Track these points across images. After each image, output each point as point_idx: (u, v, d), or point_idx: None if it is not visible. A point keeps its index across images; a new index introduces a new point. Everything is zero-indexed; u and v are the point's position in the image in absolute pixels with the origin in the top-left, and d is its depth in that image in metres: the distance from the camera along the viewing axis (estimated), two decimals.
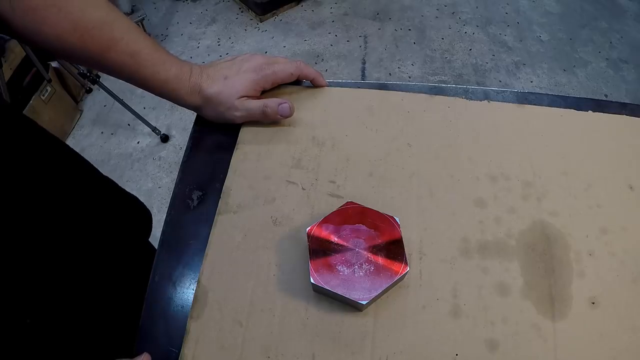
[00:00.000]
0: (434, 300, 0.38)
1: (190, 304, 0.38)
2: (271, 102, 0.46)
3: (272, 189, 0.44)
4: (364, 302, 0.35)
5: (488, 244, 0.41)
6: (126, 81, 0.45)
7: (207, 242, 0.41)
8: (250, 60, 0.47)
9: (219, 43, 1.97)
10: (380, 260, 0.36)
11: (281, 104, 0.46)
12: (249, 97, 0.46)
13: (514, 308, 0.37)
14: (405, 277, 0.38)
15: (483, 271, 0.39)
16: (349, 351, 0.35)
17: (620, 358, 0.35)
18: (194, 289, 0.39)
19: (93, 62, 0.42)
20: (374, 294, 0.35)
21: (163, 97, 0.46)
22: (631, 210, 0.43)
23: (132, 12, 1.73)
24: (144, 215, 0.65)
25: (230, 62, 0.47)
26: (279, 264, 0.39)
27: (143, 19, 1.76)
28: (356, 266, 0.36)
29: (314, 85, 0.51)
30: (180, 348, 0.36)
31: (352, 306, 0.37)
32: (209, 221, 0.42)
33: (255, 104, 0.46)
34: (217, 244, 0.41)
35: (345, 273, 0.36)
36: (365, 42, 1.96)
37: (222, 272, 0.39)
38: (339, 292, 0.35)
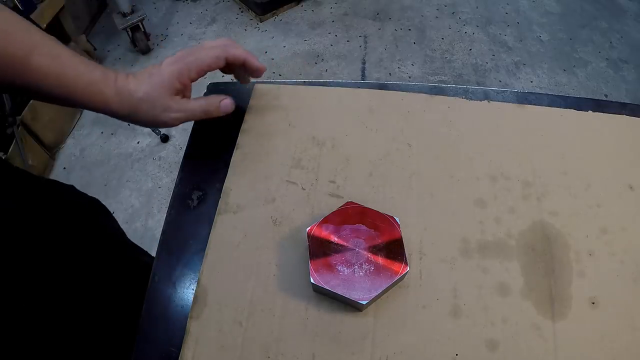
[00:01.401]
0: (434, 300, 0.38)
1: (190, 304, 0.38)
2: (212, 99, 0.44)
3: (272, 189, 0.44)
4: (364, 302, 0.35)
5: (488, 244, 0.41)
6: (45, 97, 0.40)
7: (207, 242, 0.41)
8: (174, 55, 0.44)
9: None
10: (380, 260, 0.36)
11: (223, 100, 0.45)
12: (185, 96, 0.43)
13: (514, 308, 0.37)
14: (406, 277, 0.38)
15: (483, 271, 0.39)
16: (349, 351, 0.35)
17: (620, 358, 0.35)
18: (194, 289, 0.39)
19: (13, 71, 0.37)
20: (374, 294, 0.35)
21: (88, 107, 0.41)
22: (631, 210, 0.43)
23: (132, 12, 1.73)
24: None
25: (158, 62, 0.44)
26: (279, 264, 0.39)
27: (143, 19, 1.76)
28: (356, 266, 0.36)
29: (247, 69, 0.46)
30: (180, 348, 0.36)
31: (352, 306, 0.37)
32: (209, 221, 0.42)
33: (195, 104, 0.43)
34: (217, 244, 0.41)
35: (345, 273, 0.36)
36: (365, 42, 1.96)
37: (222, 272, 0.39)
38: (339, 292, 0.35)
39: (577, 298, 0.38)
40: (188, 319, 0.37)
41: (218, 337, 0.36)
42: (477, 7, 2.13)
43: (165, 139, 1.62)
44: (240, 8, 2.15)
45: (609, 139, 0.48)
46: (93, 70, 0.40)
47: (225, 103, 0.45)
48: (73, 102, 0.40)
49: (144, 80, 0.41)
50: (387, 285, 0.35)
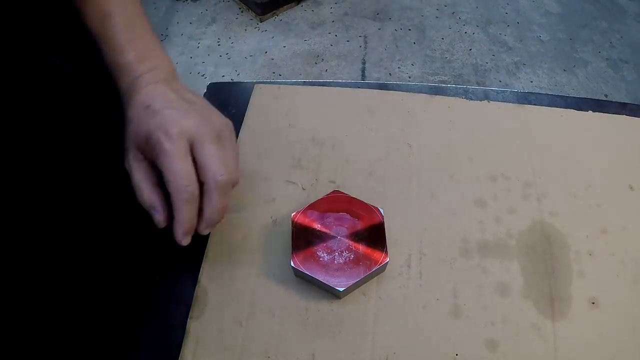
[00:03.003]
0: (434, 300, 0.38)
1: (190, 304, 0.38)
2: (146, 197, 0.34)
3: (272, 189, 0.44)
4: (341, 289, 0.35)
5: (488, 244, 0.41)
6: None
7: (207, 242, 0.41)
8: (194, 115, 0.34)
9: (219, 43, 1.97)
10: (361, 249, 0.37)
11: (153, 209, 0.34)
12: (145, 157, 0.35)
13: (514, 308, 0.37)
14: (406, 277, 0.38)
15: (483, 271, 0.39)
16: (349, 351, 0.35)
17: (620, 358, 0.35)
18: (194, 289, 0.39)
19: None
20: (352, 281, 0.35)
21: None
22: (631, 210, 0.43)
23: None
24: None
25: (186, 103, 0.36)
26: (279, 264, 0.39)
27: None
28: (337, 253, 0.37)
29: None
30: (180, 348, 0.36)
31: (331, 293, 0.37)
32: None
33: (136, 178, 0.34)
34: (217, 244, 0.41)
35: (326, 260, 0.36)
36: (365, 42, 1.96)
37: (222, 272, 0.39)
38: (318, 278, 0.35)
39: (577, 298, 0.38)
40: (188, 319, 0.37)
41: (218, 337, 0.36)
42: (477, 7, 2.13)
43: None
44: (240, 8, 2.15)
45: (609, 139, 0.48)
46: (131, 51, 0.37)
47: (154, 215, 0.35)
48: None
49: (150, 103, 0.35)
50: (366, 274, 0.36)
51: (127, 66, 0.36)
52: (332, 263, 0.36)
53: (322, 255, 0.37)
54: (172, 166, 0.32)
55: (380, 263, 0.36)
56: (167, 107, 0.34)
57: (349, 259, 0.36)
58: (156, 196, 0.34)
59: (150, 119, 0.33)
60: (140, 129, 0.34)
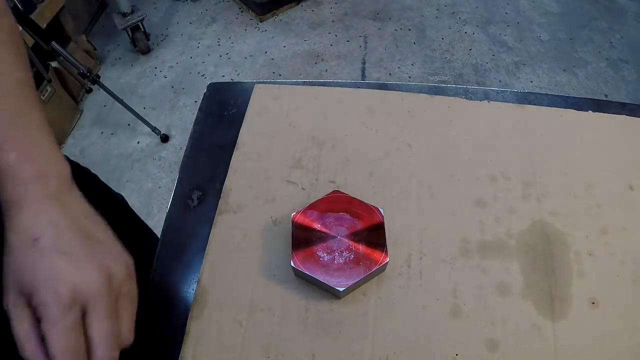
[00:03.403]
0: (434, 300, 0.38)
1: (190, 304, 0.38)
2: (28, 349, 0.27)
3: (272, 189, 0.44)
4: (341, 289, 0.35)
5: (488, 244, 0.41)
6: None
7: (207, 242, 0.41)
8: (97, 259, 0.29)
9: (219, 43, 1.97)
10: (361, 249, 0.37)
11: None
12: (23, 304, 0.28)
13: (514, 308, 0.37)
14: (406, 277, 0.38)
15: (483, 271, 0.39)
16: (349, 351, 0.35)
17: (620, 358, 0.35)
18: (194, 289, 0.39)
19: None
20: (352, 281, 0.35)
21: None
22: (631, 210, 0.43)
23: (132, 12, 1.73)
24: (150, 242, 0.62)
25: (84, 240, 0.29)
26: (279, 264, 0.39)
27: (143, 19, 1.76)
28: (337, 253, 0.37)
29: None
30: (180, 348, 0.36)
31: (331, 293, 0.37)
32: (209, 221, 0.42)
33: (18, 328, 0.27)
34: (217, 244, 0.41)
35: (326, 260, 0.36)
36: (365, 42, 1.96)
37: (222, 272, 0.39)
38: (318, 278, 0.35)
39: (577, 298, 0.38)
40: (188, 319, 0.37)
41: (218, 337, 0.36)
42: (477, 7, 2.13)
43: (165, 139, 1.62)
44: (240, 8, 2.15)
45: (609, 139, 0.48)
46: (11, 150, 0.29)
47: None
48: None
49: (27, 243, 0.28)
50: (366, 274, 0.36)
51: (7, 169, 0.29)
52: (332, 263, 0.36)
53: (322, 255, 0.36)
54: (59, 342, 0.26)
55: (380, 263, 0.36)
56: (59, 250, 0.28)
57: (349, 259, 0.36)
58: (41, 354, 0.27)
59: (37, 262, 0.27)
60: (23, 272, 0.27)
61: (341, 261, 0.36)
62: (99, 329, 0.28)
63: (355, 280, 0.35)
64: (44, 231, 0.28)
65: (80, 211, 0.31)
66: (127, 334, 0.30)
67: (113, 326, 0.28)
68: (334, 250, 0.37)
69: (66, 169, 0.32)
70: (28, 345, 0.27)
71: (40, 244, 0.28)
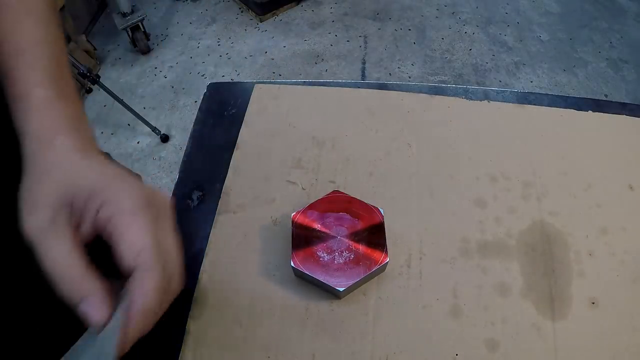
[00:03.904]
0: (434, 300, 0.38)
1: (190, 304, 0.38)
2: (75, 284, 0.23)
3: (272, 189, 0.44)
4: (341, 289, 0.35)
5: (488, 244, 0.41)
6: None
7: (207, 242, 0.41)
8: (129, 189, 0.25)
9: (219, 43, 1.97)
10: (361, 249, 0.37)
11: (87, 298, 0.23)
12: (58, 235, 0.23)
13: (514, 308, 0.37)
14: (406, 277, 0.38)
15: (483, 271, 0.39)
16: (349, 351, 0.35)
17: (620, 358, 0.35)
18: (194, 289, 0.39)
19: None
20: (352, 281, 0.35)
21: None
22: (631, 210, 0.43)
23: (132, 12, 1.73)
24: None
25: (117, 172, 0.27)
26: (279, 264, 0.39)
27: (143, 19, 1.76)
28: (337, 253, 0.37)
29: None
30: (180, 348, 0.36)
31: (331, 293, 0.37)
32: (209, 221, 0.42)
33: (57, 252, 0.23)
34: (217, 244, 0.41)
35: (326, 260, 0.36)
36: (365, 42, 1.96)
37: (222, 272, 0.39)
38: (318, 278, 0.35)
39: (577, 298, 0.38)
40: (188, 319, 0.37)
41: (218, 337, 0.36)
42: (477, 7, 2.13)
43: (165, 139, 1.62)
44: (240, 8, 2.15)
45: (609, 139, 0.48)
46: (51, 88, 0.28)
47: (90, 309, 0.23)
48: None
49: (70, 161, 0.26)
50: (366, 274, 0.36)
51: (46, 102, 0.28)
52: (332, 263, 0.36)
53: (322, 255, 0.37)
54: (140, 237, 0.23)
55: (380, 263, 0.36)
56: (114, 163, 0.27)
57: (349, 259, 0.36)
58: (93, 279, 0.23)
59: (98, 165, 0.26)
60: (79, 176, 0.25)
61: (341, 261, 0.36)
62: (172, 238, 0.25)
63: (355, 280, 0.35)
64: (92, 148, 0.27)
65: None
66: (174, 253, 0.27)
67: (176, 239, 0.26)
68: (334, 250, 0.37)
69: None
70: (76, 270, 0.23)
71: (93, 157, 0.26)
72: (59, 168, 0.25)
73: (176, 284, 0.25)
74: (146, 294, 0.23)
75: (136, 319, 0.23)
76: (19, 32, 0.30)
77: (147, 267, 0.23)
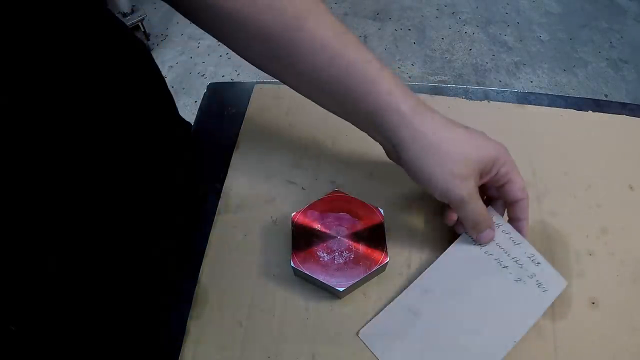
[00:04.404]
0: None
1: (190, 304, 0.38)
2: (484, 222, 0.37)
3: (272, 189, 0.44)
4: (341, 289, 0.35)
5: None
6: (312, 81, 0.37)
7: (207, 242, 0.41)
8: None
9: (219, 43, 1.97)
10: (361, 248, 0.37)
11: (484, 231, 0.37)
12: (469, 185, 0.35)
13: None
14: (406, 277, 0.38)
15: None
16: (349, 351, 0.35)
17: (620, 358, 0.35)
18: (194, 289, 0.39)
19: (274, 46, 0.35)
20: (352, 281, 0.35)
21: (360, 110, 0.37)
22: (631, 210, 0.43)
23: (132, 12, 1.73)
24: None
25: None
26: (279, 264, 0.39)
27: (143, 19, 1.76)
28: (337, 253, 0.37)
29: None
30: (180, 348, 0.36)
31: (331, 293, 0.37)
32: (209, 221, 0.42)
33: (480, 205, 0.36)
34: (217, 244, 0.41)
35: (326, 259, 0.36)
36: (365, 42, 1.96)
37: (222, 272, 0.39)
38: (318, 278, 0.35)
39: (577, 298, 0.38)
40: (188, 319, 0.37)
41: (218, 337, 0.36)
42: (477, 7, 2.13)
43: None
44: None
45: (609, 139, 0.48)
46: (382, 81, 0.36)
47: (489, 234, 0.38)
48: (342, 97, 0.36)
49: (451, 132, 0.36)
50: (366, 274, 0.36)
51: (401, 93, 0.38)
52: (332, 263, 0.36)
53: (322, 255, 0.37)
54: (521, 192, 0.37)
55: (380, 263, 0.36)
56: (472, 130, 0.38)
57: (349, 259, 0.36)
58: (490, 219, 0.38)
59: (487, 142, 0.37)
60: (486, 153, 0.36)
61: (341, 261, 0.36)
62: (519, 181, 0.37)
63: (355, 280, 0.35)
64: (457, 123, 0.38)
65: None
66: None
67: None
68: (334, 250, 0.37)
69: None
70: (485, 214, 0.36)
71: (473, 132, 0.37)
72: (465, 144, 0.36)
73: None
74: (527, 210, 0.37)
75: (527, 216, 0.38)
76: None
77: (527, 195, 0.37)
